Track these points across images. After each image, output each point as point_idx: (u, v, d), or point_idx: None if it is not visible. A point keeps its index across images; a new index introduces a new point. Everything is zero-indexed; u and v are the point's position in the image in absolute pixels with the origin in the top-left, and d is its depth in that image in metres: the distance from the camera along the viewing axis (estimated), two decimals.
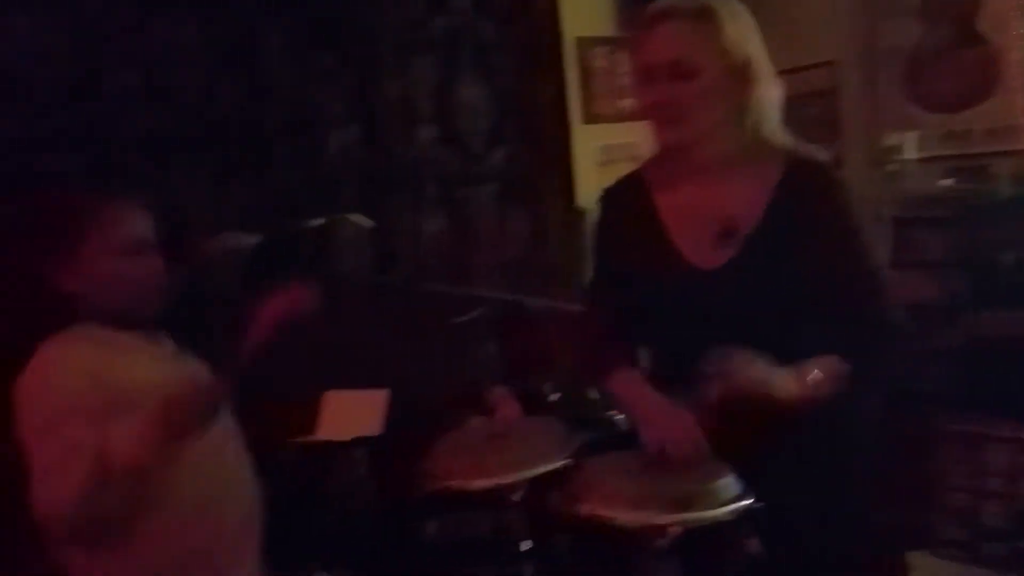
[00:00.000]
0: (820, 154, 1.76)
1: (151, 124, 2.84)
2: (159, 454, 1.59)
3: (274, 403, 2.32)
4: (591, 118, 3.80)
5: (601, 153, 3.79)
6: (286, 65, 3.06)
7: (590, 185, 3.70)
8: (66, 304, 1.70)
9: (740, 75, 1.68)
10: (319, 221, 1.93)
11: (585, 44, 3.79)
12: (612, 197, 1.88)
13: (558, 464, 1.74)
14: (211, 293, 2.19)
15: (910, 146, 3.38)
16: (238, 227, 1.91)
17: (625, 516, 1.43)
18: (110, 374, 1.65)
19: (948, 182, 3.26)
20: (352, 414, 2.38)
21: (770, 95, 1.72)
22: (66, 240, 1.71)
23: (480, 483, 1.82)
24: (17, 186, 2.22)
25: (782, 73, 1.75)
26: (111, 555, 1.69)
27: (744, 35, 1.70)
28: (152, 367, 1.74)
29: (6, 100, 2.59)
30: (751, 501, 1.45)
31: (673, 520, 1.42)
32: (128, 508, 1.61)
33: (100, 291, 1.72)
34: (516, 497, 1.82)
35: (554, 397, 3.05)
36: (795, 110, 1.79)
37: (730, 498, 1.45)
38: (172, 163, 2.88)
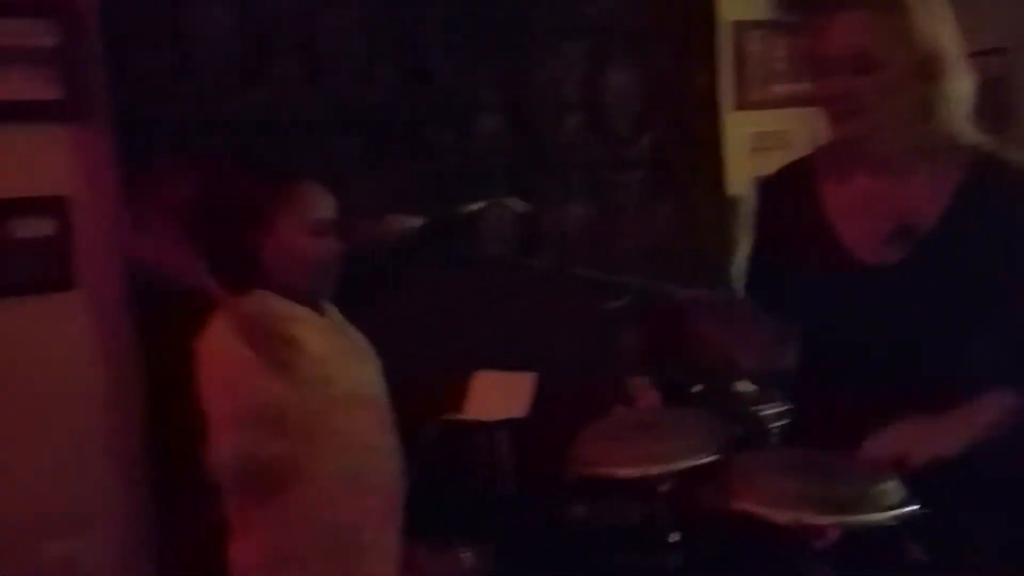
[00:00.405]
0: (1012, 154, 1.64)
1: (312, 108, 2.92)
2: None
3: (424, 380, 2.38)
4: (743, 104, 3.73)
5: (753, 140, 3.72)
6: (440, 50, 3.10)
7: (741, 173, 3.64)
8: (256, 272, 1.82)
9: (928, 68, 1.57)
10: (479, 204, 1.98)
11: (740, 28, 3.71)
12: (773, 185, 1.83)
13: (708, 458, 1.72)
14: (378, 273, 2.29)
15: None
16: (392, 210, 1.97)
17: (782, 515, 1.39)
18: (281, 338, 1.74)
19: None
20: (500, 395, 2.42)
21: (960, 89, 1.59)
22: (266, 215, 1.87)
23: (628, 471, 1.81)
24: (196, 166, 2.34)
25: None
26: (266, 514, 1.79)
27: (936, 25, 1.58)
28: (318, 337, 1.83)
29: (187, 83, 2.70)
30: (916, 507, 1.39)
31: (832, 522, 1.38)
32: (282, 465, 1.70)
33: (287, 265, 1.85)
34: (664, 488, 1.81)
35: (696, 389, 3.01)
36: None
37: (894, 503, 1.39)
38: (330, 146, 2.96)
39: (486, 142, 3.20)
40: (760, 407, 2.95)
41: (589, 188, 3.41)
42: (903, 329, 1.57)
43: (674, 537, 1.67)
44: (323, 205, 1.94)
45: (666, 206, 3.52)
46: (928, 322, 1.57)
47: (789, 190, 1.77)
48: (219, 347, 1.73)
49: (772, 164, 3.51)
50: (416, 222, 1.93)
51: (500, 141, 3.24)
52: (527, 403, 2.38)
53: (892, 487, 1.42)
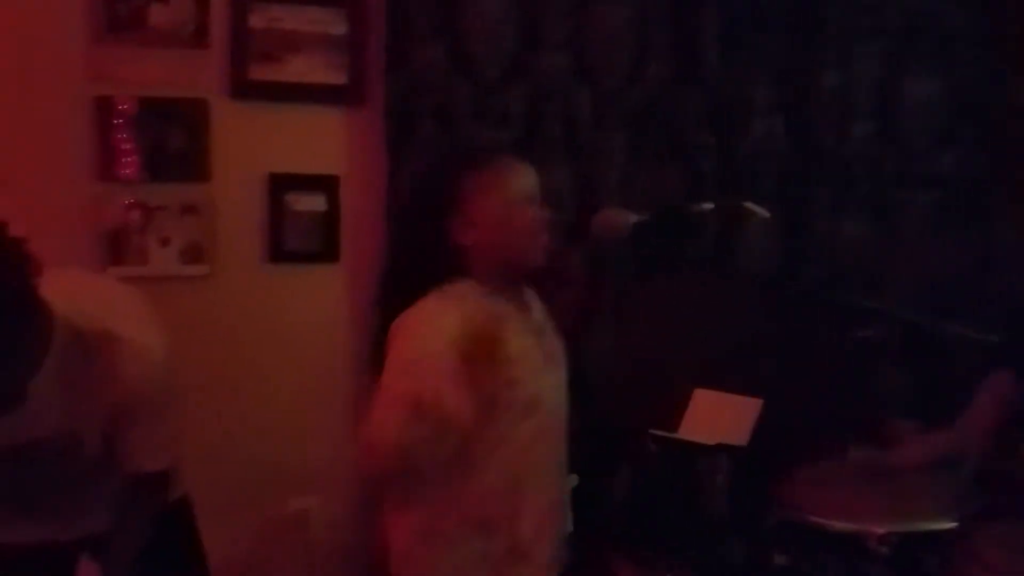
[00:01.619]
0: None
1: (577, 104, 2.91)
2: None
3: (640, 392, 2.28)
4: None
5: None
6: (715, 49, 2.97)
7: None
8: (458, 257, 1.81)
9: None
10: (709, 205, 1.84)
11: None
12: None
13: (945, 526, 1.51)
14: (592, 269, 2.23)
15: None
16: (645, 209, 1.87)
17: None
18: (490, 337, 1.72)
19: None
20: (719, 418, 2.26)
21: None
22: (460, 196, 1.82)
23: (843, 525, 1.64)
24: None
25: None
26: (423, 496, 1.78)
27: None
28: (516, 337, 1.79)
29: (458, 74, 2.79)
30: None
31: None
32: (438, 465, 1.69)
33: (489, 243, 1.82)
34: (884, 550, 1.61)
35: None
36: None
37: None
38: (592, 142, 2.93)
39: (756, 146, 3.03)
40: None
41: (870, 205, 3.12)
42: None
43: None
44: (523, 177, 1.85)
45: (959, 234, 3.13)
46: None
47: None
48: (409, 335, 1.73)
49: None
50: (635, 217, 1.81)
51: (773, 146, 3.04)
52: (748, 431, 2.20)
53: None
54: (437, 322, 1.72)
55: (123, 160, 2.65)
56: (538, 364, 1.84)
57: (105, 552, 1.69)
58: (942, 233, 3.16)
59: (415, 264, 1.86)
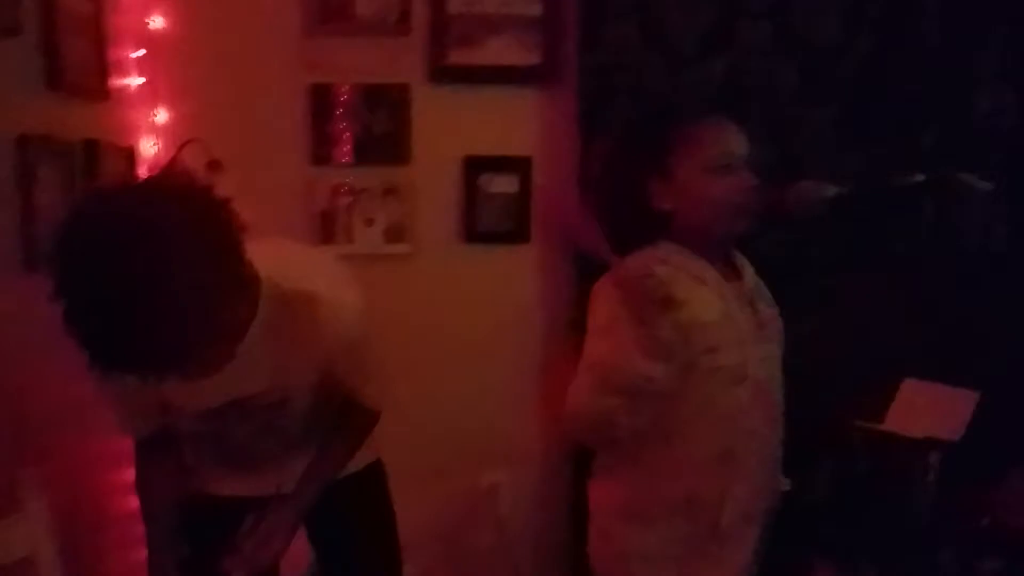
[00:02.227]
0: None
1: (782, 76, 2.76)
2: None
3: (844, 379, 2.15)
4: None
5: None
6: (936, 10, 2.72)
7: None
8: (660, 221, 1.77)
9: None
10: (919, 177, 1.66)
11: None
12: None
13: None
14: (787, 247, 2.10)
15: None
16: (856, 184, 1.73)
17: None
18: (662, 302, 1.68)
19: None
20: (930, 410, 2.08)
21: None
22: (662, 160, 1.76)
23: None
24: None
25: None
26: (626, 466, 1.76)
27: None
28: (714, 302, 1.72)
29: (653, 51, 2.73)
30: None
31: None
32: (637, 436, 1.64)
33: (691, 208, 1.76)
34: None
35: None
36: None
37: None
38: (799, 116, 2.78)
39: (981, 123, 2.75)
40: None
41: None
42: None
43: None
44: (724, 142, 1.73)
45: None
46: None
47: None
48: (606, 297, 1.71)
49: None
50: (834, 190, 1.68)
51: (1001, 122, 2.75)
52: (962, 425, 2.00)
53: None
54: (615, 292, 1.69)
55: (337, 145, 2.80)
56: (744, 334, 1.75)
57: (304, 471, 1.78)
58: None
59: (615, 226, 1.83)
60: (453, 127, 2.81)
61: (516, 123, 2.82)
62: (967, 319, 2.32)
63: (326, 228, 2.80)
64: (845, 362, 2.27)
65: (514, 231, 2.86)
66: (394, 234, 2.82)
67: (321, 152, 2.79)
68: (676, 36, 2.73)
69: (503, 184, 2.84)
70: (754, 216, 1.74)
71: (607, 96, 2.72)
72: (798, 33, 2.75)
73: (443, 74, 2.78)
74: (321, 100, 2.77)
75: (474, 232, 2.86)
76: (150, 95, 2.65)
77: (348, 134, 2.78)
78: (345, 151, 2.79)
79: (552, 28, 2.78)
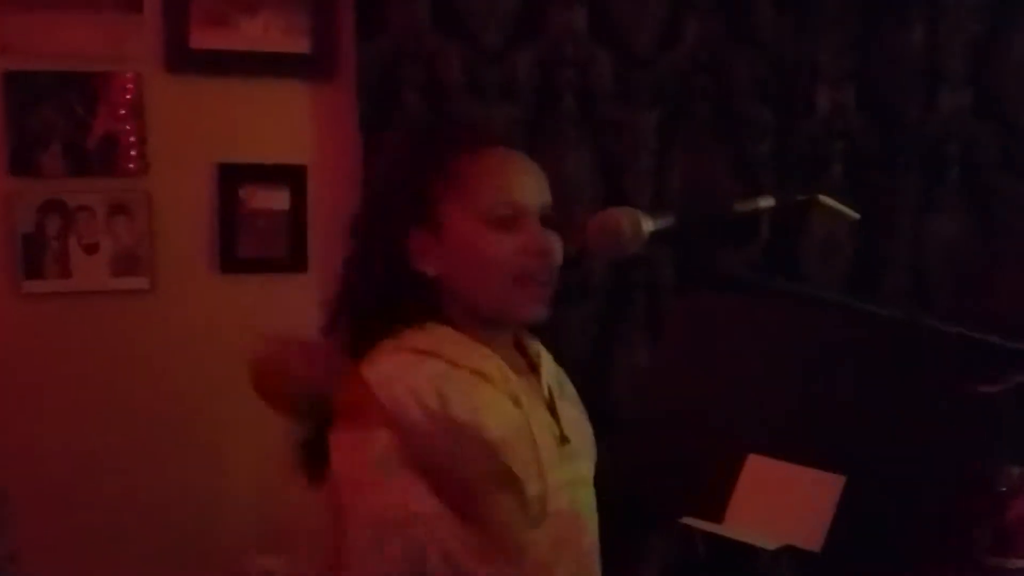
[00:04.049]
0: None
1: (600, 75, 2.39)
2: None
3: (675, 452, 1.69)
4: None
5: None
6: (774, 7, 2.42)
7: None
8: (424, 291, 1.28)
9: None
10: (767, 201, 1.24)
11: None
12: None
13: None
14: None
15: None
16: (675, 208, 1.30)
17: None
18: (452, 413, 1.19)
19: None
20: (784, 501, 1.61)
21: None
22: (425, 203, 1.28)
23: None
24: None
25: None
26: None
27: None
28: (500, 411, 1.24)
29: (449, 39, 2.29)
30: None
31: None
32: None
33: (460, 274, 1.27)
34: None
35: None
36: None
37: None
38: (616, 119, 2.41)
39: (823, 124, 2.48)
40: None
41: (967, 194, 2.55)
42: None
43: None
44: (514, 183, 1.28)
45: None
46: None
47: None
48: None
49: None
50: (652, 224, 1.21)
51: (843, 123, 2.48)
52: (824, 526, 1.54)
53: None
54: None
55: (46, 150, 2.21)
56: (544, 455, 1.26)
57: None
58: None
59: (369, 296, 1.32)
60: (201, 127, 2.28)
61: (284, 124, 2.33)
62: (836, 378, 1.94)
63: (31, 258, 2.20)
64: (677, 426, 1.81)
65: (286, 258, 2.33)
66: (125, 264, 2.25)
67: (22, 159, 2.19)
68: (476, 22, 2.31)
69: (270, 199, 2.32)
70: (552, 290, 1.28)
71: (395, 94, 2.26)
72: (616, 23, 2.38)
73: (186, 61, 2.24)
74: (21, 92, 2.18)
75: (232, 260, 2.31)
76: None
77: (59, 136, 2.20)
78: (55, 158, 2.20)
79: (324, 8, 2.30)
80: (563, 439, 1.30)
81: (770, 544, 1.48)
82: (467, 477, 1.18)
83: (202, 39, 2.23)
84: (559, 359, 1.41)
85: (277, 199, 2.33)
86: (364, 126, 2.26)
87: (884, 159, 2.50)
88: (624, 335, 2.38)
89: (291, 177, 2.32)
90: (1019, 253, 2.41)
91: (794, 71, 2.45)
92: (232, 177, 2.29)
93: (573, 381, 1.43)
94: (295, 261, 2.34)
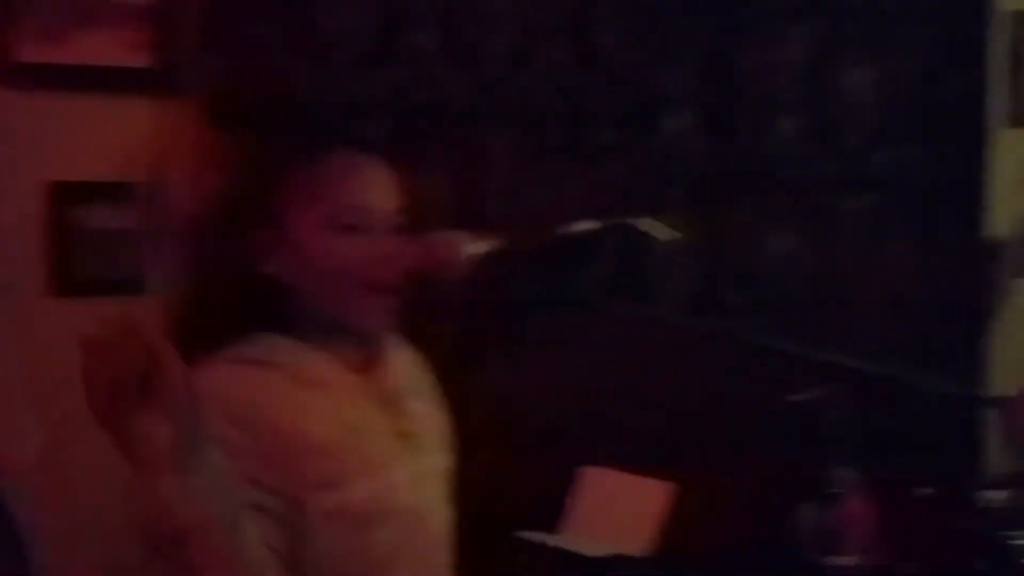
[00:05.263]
0: None
1: (452, 93, 2.40)
2: None
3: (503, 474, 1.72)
4: (1021, 120, 2.87)
5: None
6: (617, 28, 2.49)
7: (1010, 209, 2.84)
8: (271, 295, 1.27)
9: None
10: (591, 225, 1.28)
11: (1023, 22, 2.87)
12: None
13: None
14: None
15: None
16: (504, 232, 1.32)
17: None
18: (270, 422, 1.18)
19: None
20: (617, 510, 1.66)
21: None
22: (271, 205, 1.28)
23: None
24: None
25: None
26: None
27: None
28: (332, 413, 1.24)
29: (300, 57, 2.26)
30: None
31: None
32: None
33: (304, 279, 1.27)
34: None
35: (924, 493, 2.28)
36: None
37: None
38: (473, 138, 2.43)
39: (667, 147, 2.56)
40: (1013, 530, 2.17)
41: (800, 213, 2.70)
42: None
43: None
44: (361, 188, 1.29)
45: (903, 243, 2.73)
46: None
47: None
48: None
49: None
50: (478, 247, 1.23)
51: (686, 146, 2.58)
52: (654, 531, 1.61)
53: None
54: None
55: None
56: (381, 453, 1.28)
57: None
58: (882, 243, 2.75)
59: (210, 304, 1.30)
60: (34, 145, 2.15)
61: (125, 140, 2.22)
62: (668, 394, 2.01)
63: None
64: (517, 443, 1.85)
65: (128, 279, 2.23)
66: None
67: None
68: (329, 39, 2.29)
69: (110, 218, 2.23)
70: (400, 298, 1.29)
71: (239, 109, 2.22)
72: (468, 43, 2.40)
73: (14, 75, 2.12)
74: None
75: (69, 282, 2.20)
76: None
77: None
78: None
79: (167, 22, 2.22)
80: (406, 435, 1.30)
81: (603, 552, 1.52)
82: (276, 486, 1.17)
83: (33, 53, 2.12)
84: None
85: (117, 217, 2.23)
86: (208, 142, 2.20)
87: (724, 180, 2.62)
88: (475, 353, 2.40)
89: (132, 195, 2.23)
90: None
91: (640, 95, 2.53)
92: (67, 196, 2.19)
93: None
94: (137, 282, 2.25)
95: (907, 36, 2.75)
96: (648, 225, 1.29)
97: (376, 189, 1.30)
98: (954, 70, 2.79)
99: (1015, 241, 2.86)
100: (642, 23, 2.52)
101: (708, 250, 2.52)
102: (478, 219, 2.34)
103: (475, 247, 1.19)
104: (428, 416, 1.38)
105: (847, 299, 2.67)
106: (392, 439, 1.30)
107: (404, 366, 1.39)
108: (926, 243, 2.76)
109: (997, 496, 2.32)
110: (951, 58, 2.79)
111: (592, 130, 2.49)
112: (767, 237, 2.65)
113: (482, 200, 2.42)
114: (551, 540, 1.57)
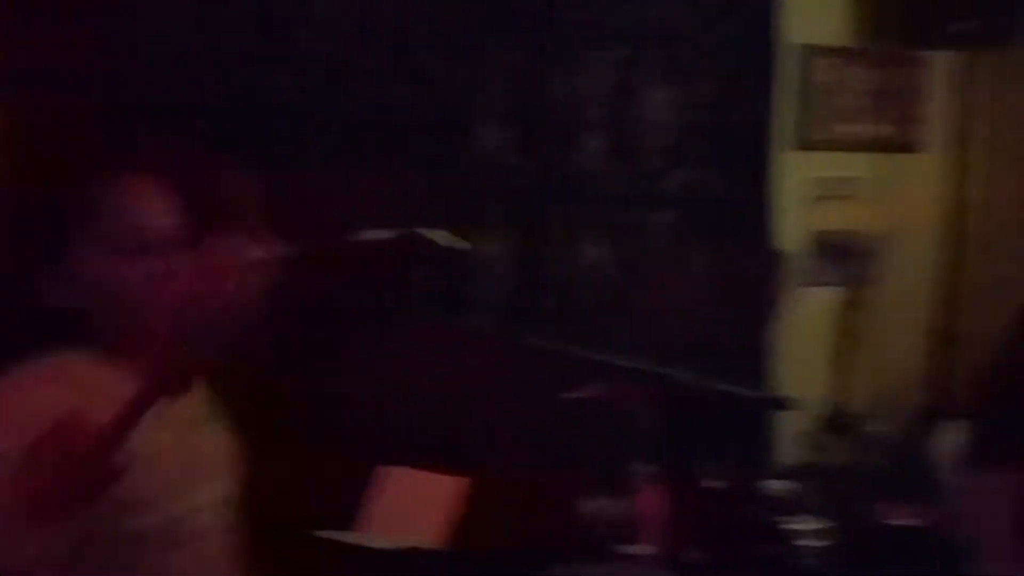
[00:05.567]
0: None
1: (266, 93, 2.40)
2: None
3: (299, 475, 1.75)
4: (807, 144, 3.13)
5: (815, 187, 3.11)
6: (436, 43, 2.57)
7: (796, 224, 3.06)
8: (57, 324, 1.24)
9: None
10: (379, 234, 1.32)
11: (810, 53, 3.11)
12: None
13: None
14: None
15: None
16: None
17: None
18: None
19: None
20: (412, 507, 1.72)
21: None
22: (50, 234, 1.25)
23: None
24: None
25: None
26: None
27: None
28: (138, 442, 1.22)
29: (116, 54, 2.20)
30: None
31: None
32: None
33: (99, 307, 1.25)
34: None
35: (715, 485, 2.43)
36: None
37: None
38: (287, 143, 2.44)
39: (482, 162, 2.66)
40: (793, 518, 2.34)
41: (605, 227, 2.84)
42: None
43: None
44: (140, 208, 1.27)
45: (699, 257, 2.91)
46: None
47: None
48: None
49: (838, 216, 2.86)
50: (263, 253, 1.23)
51: (500, 162, 2.68)
52: (444, 524, 1.65)
53: None
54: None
55: None
56: (178, 473, 1.28)
57: None
58: (680, 256, 2.93)
59: (10, 326, 1.26)
60: None
61: None
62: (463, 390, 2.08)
63: None
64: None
65: None
66: None
67: None
68: (141, 40, 2.25)
69: None
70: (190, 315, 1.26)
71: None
72: (285, 43, 2.41)
73: None
74: None
75: None
76: None
77: None
78: None
79: None
80: (199, 460, 1.32)
81: (399, 546, 1.57)
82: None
83: None
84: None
85: None
86: None
87: (536, 194, 2.73)
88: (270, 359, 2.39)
89: None
90: None
91: (455, 109, 2.61)
92: None
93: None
94: None
95: (702, 64, 2.93)
96: (439, 235, 1.32)
97: (154, 208, 1.28)
98: (745, 97, 2.99)
99: (800, 254, 3.09)
100: (457, 40, 2.60)
101: (519, 260, 2.62)
102: (286, 227, 2.34)
103: (258, 254, 1.18)
104: (219, 442, 1.39)
105: (649, 307, 2.82)
106: (186, 464, 1.29)
107: (198, 391, 1.38)
108: (720, 256, 2.95)
109: (780, 486, 2.51)
110: (743, 86, 2.99)
111: (406, 141, 2.54)
112: (575, 249, 2.77)
113: (293, 207, 2.42)
114: (348, 538, 1.61)
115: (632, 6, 2.82)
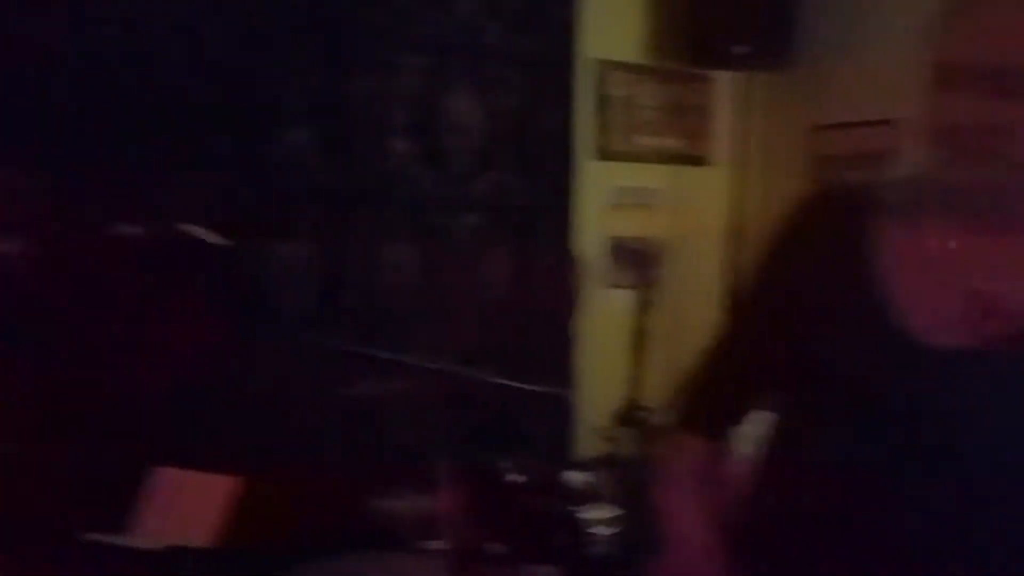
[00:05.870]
0: None
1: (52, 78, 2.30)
2: None
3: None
4: (606, 154, 3.29)
5: (613, 195, 3.27)
6: (240, 40, 2.53)
7: (594, 230, 3.21)
8: None
9: None
10: (132, 229, 1.29)
11: (606, 68, 3.27)
12: (815, 218, 1.31)
13: None
14: None
15: None
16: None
17: None
18: None
19: None
20: (185, 507, 1.68)
21: None
22: None
23: None
24: None
25: None
26: None
27: None
28: None
29: None
30: None
31: None
32: None
33: None
34: None
35: (515, 479, 2.51)
36: None
37: None
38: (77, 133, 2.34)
39: (286, 160, 2.64)
40: (586, 507, 2.46)
41: (409, 229, 2.88)
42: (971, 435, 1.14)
43: None
44: None
45: (502, 259, 3.00)
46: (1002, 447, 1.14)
47: (834, 231, 1.26)
48: None
49: (633, 223, 3.01)
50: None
51: (304, 161, 2.67)
52: (216, 522, 1.63)
53: None
54: None
55: None
56: None
57: None
58: (483, 258, 3.01)
59: None
60: None
61: None
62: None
63: None
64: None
65: None
66: None
67: None
68: None
69: None
70: None
71: None
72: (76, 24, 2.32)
73: None
74: None
75: None
76: None
77: None
78: None
79: None
80: None
81: (163, 545, 1.54)
82: None
83: None
84: None
85: None
86: None
87: (342, 195, 2.74)
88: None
89: None
90: None
91: (257, 108, 2.58)
92: None
93: None
94: None
95: (506, 74, 3.02)
96: (201, 231, 1.31)
97: None
98: (547, 108, 3.10)
99: (598, 258, 3.24)
100: (263, 40, 2.57)
101: (322, 260, 2.62)
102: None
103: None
104: None
105: (454, 308, 2.88)
106: None
107: None
108: (522, 259, 3.05)
109: (577, 478, 2.61)
110: (544, 97, 3.10)
111: (206, 137, 2.49)
112: (379, 250, 2.80)
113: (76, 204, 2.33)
114: (118, 540, 1.56)
115: (438, 15, 2.87)
